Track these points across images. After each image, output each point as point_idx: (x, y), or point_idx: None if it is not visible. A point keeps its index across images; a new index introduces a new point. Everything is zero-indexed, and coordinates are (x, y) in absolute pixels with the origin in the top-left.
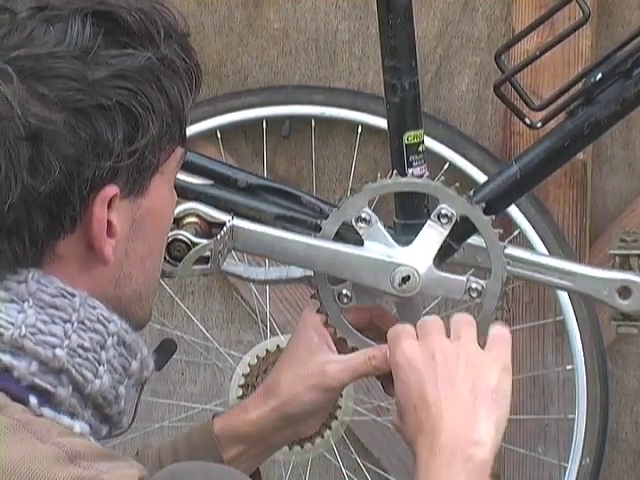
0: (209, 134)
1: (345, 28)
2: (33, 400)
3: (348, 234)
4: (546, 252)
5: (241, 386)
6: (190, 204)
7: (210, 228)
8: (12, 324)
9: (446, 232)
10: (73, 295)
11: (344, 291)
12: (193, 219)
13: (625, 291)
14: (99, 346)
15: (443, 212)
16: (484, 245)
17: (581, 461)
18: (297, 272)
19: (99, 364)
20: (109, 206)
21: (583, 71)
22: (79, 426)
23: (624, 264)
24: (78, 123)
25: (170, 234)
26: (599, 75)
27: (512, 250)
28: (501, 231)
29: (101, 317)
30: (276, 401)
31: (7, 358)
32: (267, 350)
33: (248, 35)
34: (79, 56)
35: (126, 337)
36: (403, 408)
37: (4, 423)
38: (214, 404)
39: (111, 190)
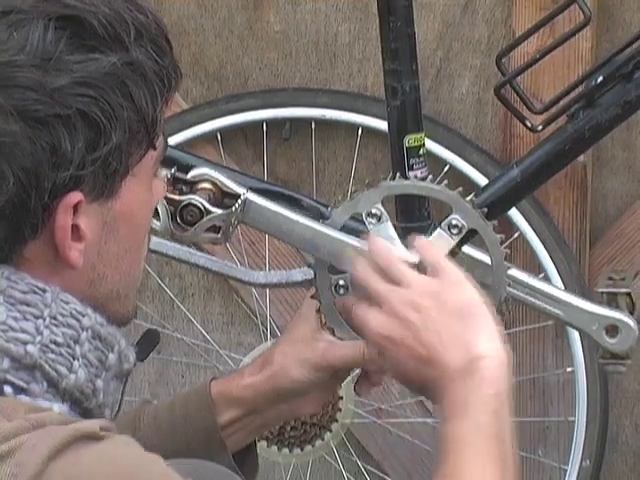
0: (209, 136)
1: (345, 30)
2: (8, 390)
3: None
4: (547, 255)
5: None
6: (206, 169)
7: (223, 197)
8: None
9: (454, 242)
10: (44, 291)
11: (341, 282)
12: (207, 185)
13: (613, 329)
14: (73, 341)
15: (454, 223)
16: (488, 262)
17: (581, 463)
18: (297, 276)
19: (73, 359)
20: (76, 211)
21: (584, 74)
22: (57, 407)
23: (612, 302)
24: (36, 133)
25: (184, 198)
26: (600, 78)
27: (515, 272)
28: (508, 252)
29: (74, 311)
30: (268, 371)
31: None
32: (261, 354)
33: (248, 37)
34: (39, 64)
35: (101, 330)
36: (407, 381)
37: None
38: None
39: (74, 197)
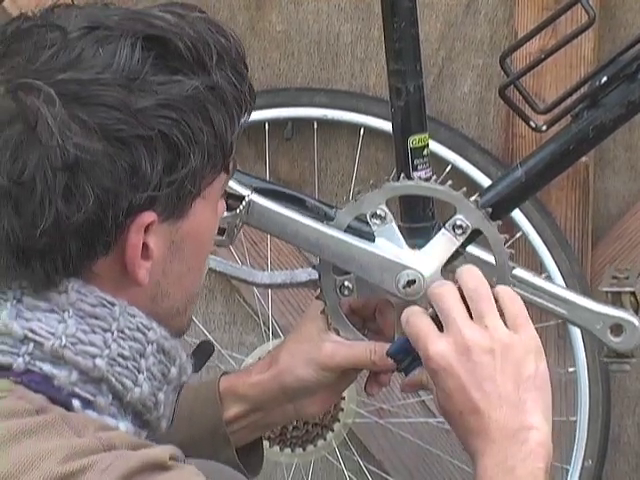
0: None
1: (347, 30)
2: (76, 403)
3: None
4: (549, 254)
5: None
6: None
7: (227, 199)
8: (52, 334)
9: (458, 243)
10: (113, 304)
11: (346, 283)
12: None
13: (617, 328)
14: (139, 354)
15: (459, 223)
16: (492, 262)
17: (583, 463)
18: (302, 276)
19: (139, 372)
20: (146, 230)
21: (588, 74)
22: (124, 425)
23: (616, 301)
24: (117, 153)
25: None
26: (604, 78)
27: (519, 272)
28: (513, 251)
29: (140, 325)
30: (275, 370)
31: (47, 367)
32: (269, 352)
33: (250, 38)
34: (124, 84)
35: (165, 344)
36: (447, 412)
37: (46, 419)
38: None
39: (148, 217)
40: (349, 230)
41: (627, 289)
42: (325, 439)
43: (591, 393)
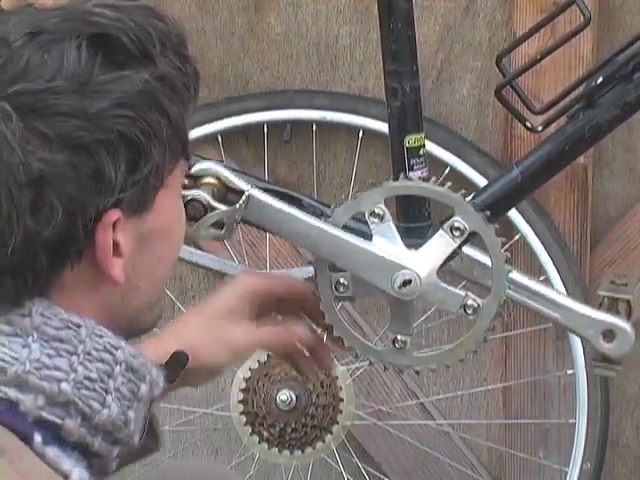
0: (210, 138)
1: (346, 32)
2: (38, 438)
3: (354, 228)
4: (548, 257)
5: (242, 390)
6: (211, 164)
7: (226, 192)
8: (16, 359)
9: (455, 245)
10: (79, 326)
11: (342, 280)
12: (211, 180)
13: (609, 334)
14: (106, 375)
15: (456, 225)
16: (489, 264)
17: (582, 466)
18: (298, 275)
19: (107, 393)
20: (114, 228)
21: (584, 75)
22: (77, 472)
23: (612, 307)
24: (80, 160)
25: (188, 193)
26: (600, 79)
27: (516, 275)
28: (509, 255)
29: (108, 345)
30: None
31: (12, 392)
32: (268, 354)
33: (249, 40)
34: (77, 89)
35: (134, 362)
36: None
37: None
38: (215, 408)
39: (113, 215)
40: (346, 229)
41: (624, 296)
42: (324, 441)
43: (590, 396)
